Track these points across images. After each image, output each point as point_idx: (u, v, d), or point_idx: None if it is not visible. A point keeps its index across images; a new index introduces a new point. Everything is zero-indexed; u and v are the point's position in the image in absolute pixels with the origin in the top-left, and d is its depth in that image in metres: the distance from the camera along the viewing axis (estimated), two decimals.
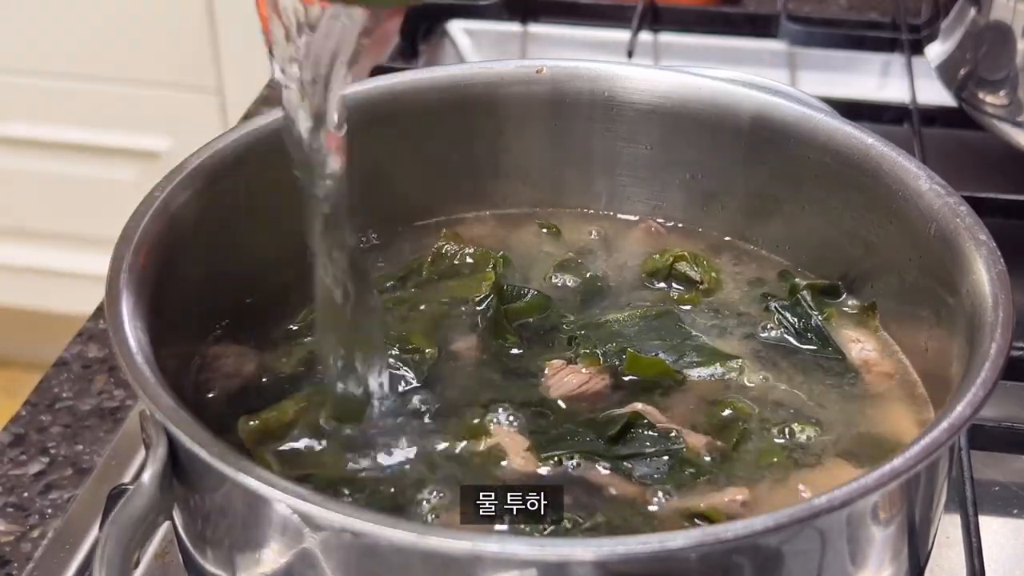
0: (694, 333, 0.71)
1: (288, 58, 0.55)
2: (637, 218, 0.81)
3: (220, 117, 1.95)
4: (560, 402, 0.66)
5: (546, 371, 0.68)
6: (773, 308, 0.72)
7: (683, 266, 0.76)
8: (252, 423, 0.64)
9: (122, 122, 1.98)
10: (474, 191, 0.82)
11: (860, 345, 0.70)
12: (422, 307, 0.73)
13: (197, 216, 0.68)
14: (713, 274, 0.76)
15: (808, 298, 0.72)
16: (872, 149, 0.71)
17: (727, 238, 0.79)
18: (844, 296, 0.74)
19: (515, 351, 0.70)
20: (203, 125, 1.91)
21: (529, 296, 0.73)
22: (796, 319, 0.72)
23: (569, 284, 0.76)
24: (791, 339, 0.71)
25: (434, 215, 0.82)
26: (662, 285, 0.76)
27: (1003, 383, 0.56)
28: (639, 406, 0.65)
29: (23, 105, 2.01)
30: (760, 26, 1.22)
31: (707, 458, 0.62)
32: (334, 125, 0.58)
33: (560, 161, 0.82)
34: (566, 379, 0.67)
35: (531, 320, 0.72)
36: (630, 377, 0.68)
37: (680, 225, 0.81)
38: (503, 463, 0.61)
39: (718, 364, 0.69)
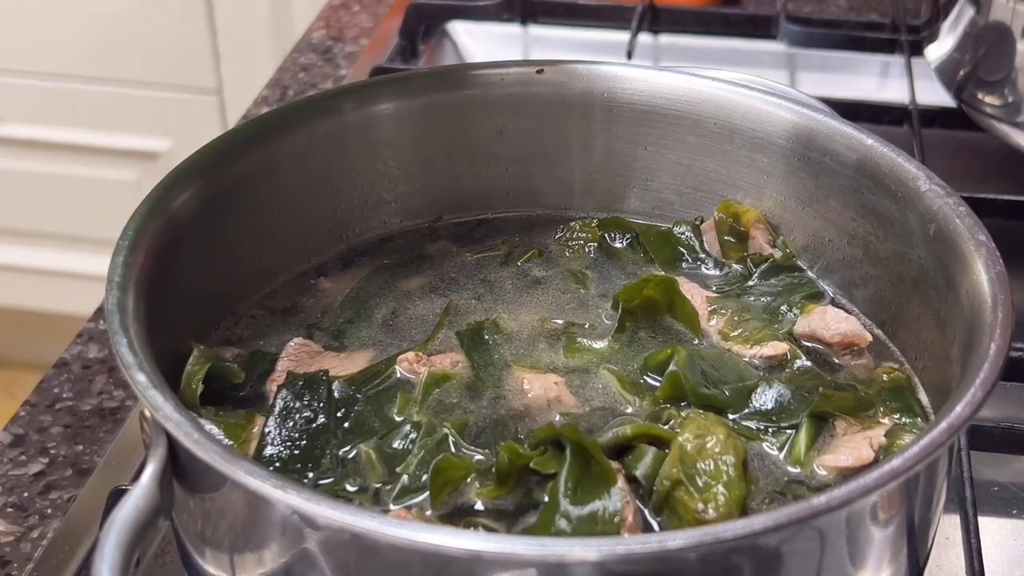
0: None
1: None
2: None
3: (220, 117, 1.95)
4: None
5: None
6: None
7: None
8: None
9: (122, 123, 1.98)
10: (473, 191, 0.82)
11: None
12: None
13: (197, 216, 0.68)
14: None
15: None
16: (872, 150, 0.71)
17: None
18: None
19: None
20: (203, 125, 1.92)
21: None
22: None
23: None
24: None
25: (434, 214, 0.82)
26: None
27: (1002, 384, 0.56)
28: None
29: (23, 106, 2.01)
30: (759, 27, 1.22)
31: None
32: None
33: (560, 161, 0.82)
34: None
35: None
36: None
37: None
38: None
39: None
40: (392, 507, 0.59)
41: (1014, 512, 0.75)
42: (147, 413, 0.55)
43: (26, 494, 0.75)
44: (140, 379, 0.55)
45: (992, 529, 0.73)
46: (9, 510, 0.74)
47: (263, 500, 0.51)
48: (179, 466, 0.54)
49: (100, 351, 0.86)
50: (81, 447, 0.78)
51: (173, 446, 0.54)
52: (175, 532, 0.59)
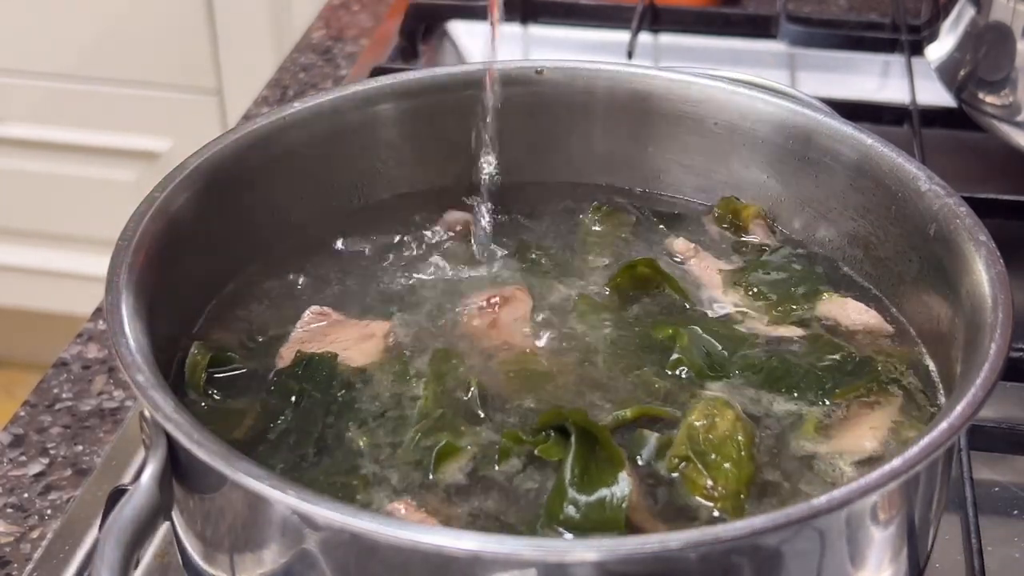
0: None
1: None
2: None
3: (220, 117, 1.95)
4: None
5: None
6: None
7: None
8: None
9: (122, 123, 1.98)
10: (473, 191, 0.82)
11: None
12: None
13: (197, 216, 0.68)
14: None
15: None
16: (872, 150, 0.71)
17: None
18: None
19: None
20: (203, 125, 1.92)
21: None
22: None
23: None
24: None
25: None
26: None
27: (1003, 384, 0.56)
28: None
29: (23, 106, 2.01)
30: (760, 27, 1.22)
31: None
32: None
33: (560, 162, 0.82)
34: None
35: None
36: None
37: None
38: None
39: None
40: (391, 496, 0.59)
41: (1014, 512, 0.75)
42: (147, 413, 0.55)
43: (26, 494, 0.75)
44: (140, 379, 0.55)
45: (992, 529, 0.73)
46: (9, 510, 0.74)
47: (263, 500, 0.51)
48: (179, 466, 0.54)
49: (100, 351, 0.86)
50: (81, 447, 0.78)
51: (173, 446, 0.54)
52: (175, 532, 0.59)
